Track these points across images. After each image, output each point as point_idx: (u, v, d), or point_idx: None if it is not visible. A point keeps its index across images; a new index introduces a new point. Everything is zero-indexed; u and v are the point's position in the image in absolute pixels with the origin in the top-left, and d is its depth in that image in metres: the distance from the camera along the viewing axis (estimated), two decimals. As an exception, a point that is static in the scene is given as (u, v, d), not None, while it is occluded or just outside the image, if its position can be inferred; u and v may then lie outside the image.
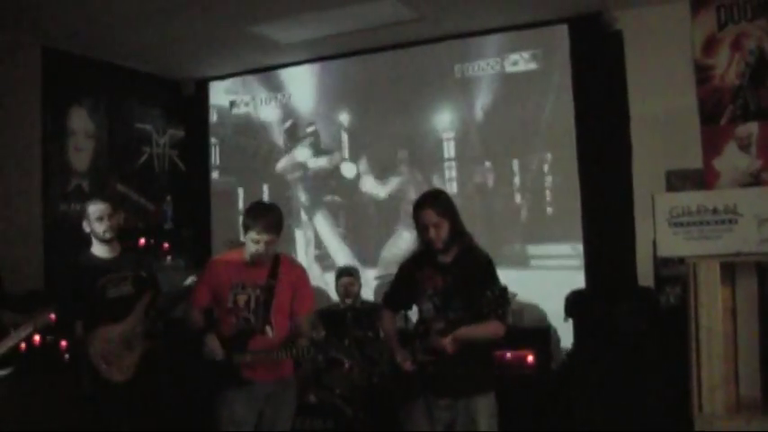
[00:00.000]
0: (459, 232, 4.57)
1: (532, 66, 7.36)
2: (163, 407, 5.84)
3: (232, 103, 8.95)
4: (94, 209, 5.54)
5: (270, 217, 4.76)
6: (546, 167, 7.32)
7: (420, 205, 4.58)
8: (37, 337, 6.13)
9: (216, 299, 4.91)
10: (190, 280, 5.64)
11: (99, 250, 5.58)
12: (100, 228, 5.51)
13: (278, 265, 4.90)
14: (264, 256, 4.80)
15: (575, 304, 6.23)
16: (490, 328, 4.40)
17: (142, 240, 7.31)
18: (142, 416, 5.52)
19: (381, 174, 8.12)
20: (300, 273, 5.04)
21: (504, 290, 4.33)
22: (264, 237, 4.71)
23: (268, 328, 4.77)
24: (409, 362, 4.48)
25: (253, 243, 4.74)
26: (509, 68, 7.44)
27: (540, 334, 6.61)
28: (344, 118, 8.36)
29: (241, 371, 4.73)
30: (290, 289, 4.88)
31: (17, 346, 5.24)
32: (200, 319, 4.97)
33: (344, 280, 6.99)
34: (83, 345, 5.37)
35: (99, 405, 5.48)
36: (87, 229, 5.57)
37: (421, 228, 4.55)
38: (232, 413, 4.78)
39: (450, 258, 4.57)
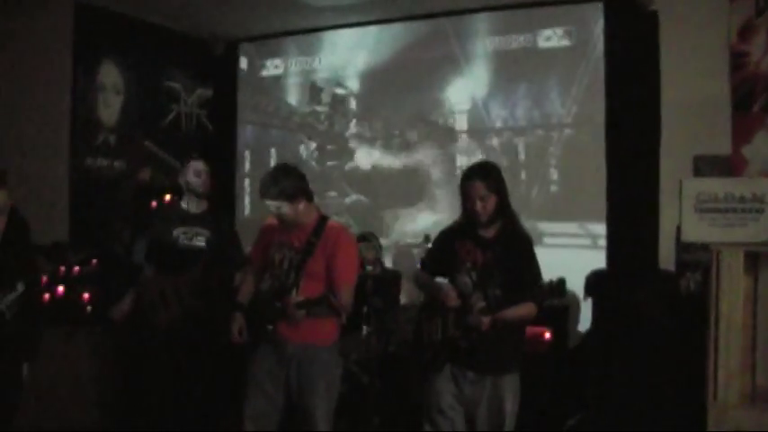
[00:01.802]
0: (505, 208, 4.51)
1: (566, 42, 7.32)
2: (203, 363, 5.92)
3: (261, 66, 8.94)
4: (194, 164, 5.83)
5: (273, 187, 4.68)
6: (573, 145, 7.29)
7: (469, 177, 4.50)
8: (61, 288, 6.21)
9: (264, 257, 4.95)
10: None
11: (188, 204, 5.87)
12: (197, 182, 5.79)
13: (321, 229, 4.79)
14: (293, 221, 4.76)
15: (594, 284, 6.22)
16: (527, 310, 4.40)
17: (167, 197, 7.32)
18: (180, 369, 5.67)
19: (407, 143, 8.14)
20: (339, 240, 4.77)
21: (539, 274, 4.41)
22: (275, 204, 4.68)
23: (294, 291, 4.65)
24: (454, 295, 4.47)
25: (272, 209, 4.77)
26: (542, 44, 7.40)
27: (559, 312, 6.61)
28: (371, 85, 8.36)
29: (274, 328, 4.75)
30: (324, 255, 4.72)
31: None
32: (247, 289, 5.04)
33: (360, 246, 7.02)
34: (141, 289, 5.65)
35: (142, 350, 5.76)
36: (182, 181, 5.85)
37: (467, 199, 4.48)
38: (257, 369, 4.80)
39: (491, 234, 4.52)
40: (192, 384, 5.75)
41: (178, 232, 5.77)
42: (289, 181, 4.72)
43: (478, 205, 4.42)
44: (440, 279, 4.72)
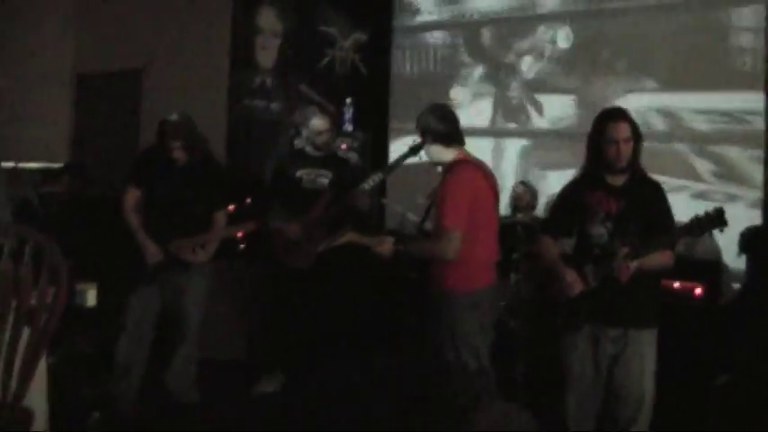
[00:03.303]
0: (637, 156, 4.34)
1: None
2: (342, 299, 6.11)
3: (417, 11, 8.94)
4: (315, 122, 6.02)
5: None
6: (730, 91, 7.03)
7: (613, 117, 4.32)
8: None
9: None
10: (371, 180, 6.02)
11: (311, 149, 6.05)
12: (319, 140, 5.99)
13: (446, 172, 4.74)
14: (433, 161, 4.79)
15: (750, 240, 6.03)
16: (666, 258, 4.28)
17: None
18: (320, 305, 5.94)
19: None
20: (444, 179, 4.71)
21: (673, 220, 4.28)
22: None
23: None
24: (579, 283, 4.31)
25: None
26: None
27: (711, 267, 6.43)
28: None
29: None
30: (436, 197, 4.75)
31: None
32: None
33: (516, 188, 7.02)
34: (271, 231, 5.86)
35: (278, 291, 6.08)
36: (304, 133, 6.12)
37: (607, 141, 4.26)
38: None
39: (621, 182, 4.35)
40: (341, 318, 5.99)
41: (301, 173, 5.98)
42: (423, 119, 4.74)
43: (622, 147, 4.25)
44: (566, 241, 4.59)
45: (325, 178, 5.99)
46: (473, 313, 4.67)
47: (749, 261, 6.04)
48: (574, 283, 4.33)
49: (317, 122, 6.03)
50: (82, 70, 8.69)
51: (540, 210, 7.12)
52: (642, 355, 4.33)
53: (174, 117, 5.29)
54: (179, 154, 5.29)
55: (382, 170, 5.24)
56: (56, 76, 8.60)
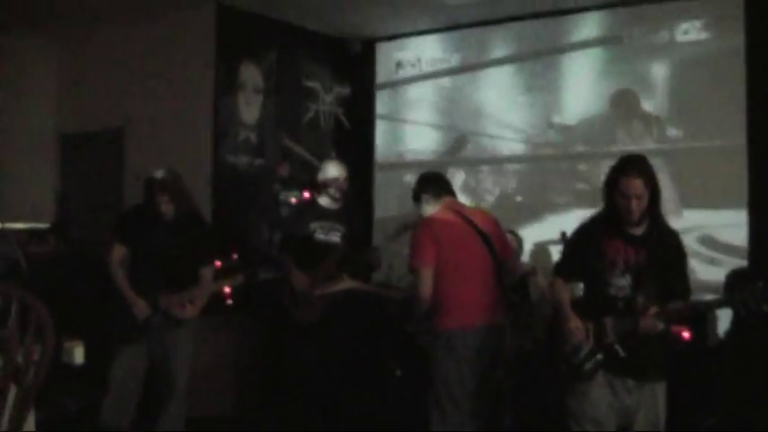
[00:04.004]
0: (655, 205, 4.19)
1: (705, 35, 7.09)
2: (353, 351, 6.14)
3: (398, 64, 9.02)
4: (333, 169, 6.12)
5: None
6: (714, 142, 7.08)
7: (627, 172, 4.13)
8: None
9: None
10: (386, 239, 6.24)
11: (325, 201, 6.13)
12: (334, 187, 6.07)
13: None
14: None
15: (735, 284, 6.04)
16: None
17: (306, 194, 7.50)
18: (332, 359, 5.94)
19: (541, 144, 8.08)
20: None
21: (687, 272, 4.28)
22: None
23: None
24: (581, 332, 4.25)
25: None
26: (680, 37, 7.20)
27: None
28: (501, 82, 8.33)
29: None
30: None
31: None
32: None
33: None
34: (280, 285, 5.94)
35: (288, 346, 6.10)
36: (320, 181, 6.15)
37: (620, 196, 4.13)
38: None
39: (641, 231, 4.23)
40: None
41: (315, 226, 6.00)
42: (415, 185, 5.24)
43: (634, 203, 4.10)
44: (578, 283, 4.53)
45: (338, 233, 6.04)
46: (448, 356, 4.86)
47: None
48: (576, 330, 4.27)
49: (333, 169, 6.10)
50: (65, 130, 8.74)
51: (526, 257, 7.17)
52: (658, 407, 4.28)
53: (160, 173, 5.35)
54: (166, 208, 5.33)
55: (395, 231, 5.50)
56: (40, 137, 8.64)
